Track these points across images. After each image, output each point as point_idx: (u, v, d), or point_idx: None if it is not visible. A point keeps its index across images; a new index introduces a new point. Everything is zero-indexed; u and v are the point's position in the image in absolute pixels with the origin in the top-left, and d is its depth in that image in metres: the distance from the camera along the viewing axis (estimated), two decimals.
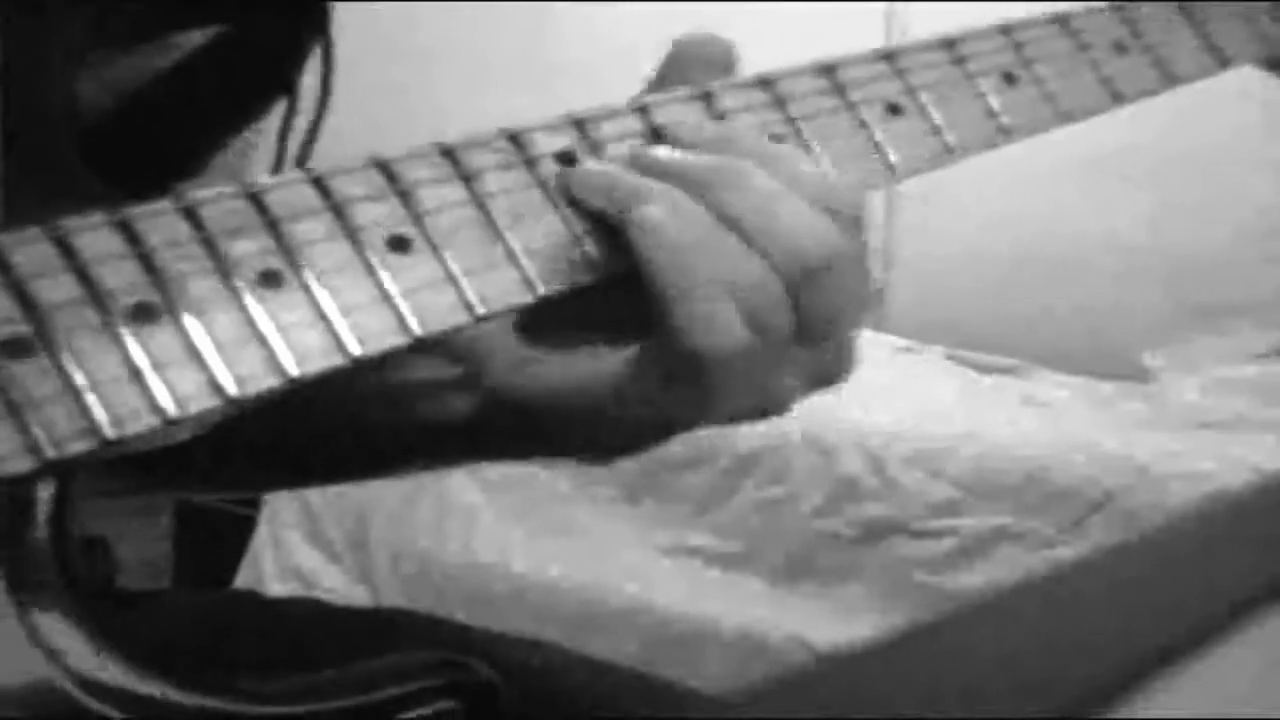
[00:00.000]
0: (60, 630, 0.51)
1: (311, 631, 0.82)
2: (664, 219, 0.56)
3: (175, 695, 0.53)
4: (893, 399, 2.17)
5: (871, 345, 2.58)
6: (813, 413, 2.23)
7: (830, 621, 1.99)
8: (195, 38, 0.61)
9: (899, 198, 2.65)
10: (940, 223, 2.68)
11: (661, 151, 0.59)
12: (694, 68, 0.63)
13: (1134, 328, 2.51)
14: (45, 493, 0.50)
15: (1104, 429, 2.10)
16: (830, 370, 0.61)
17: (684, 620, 2.05)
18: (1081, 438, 2.03)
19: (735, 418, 0.61)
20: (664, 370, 0.59)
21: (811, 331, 0.59)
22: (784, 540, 2.06)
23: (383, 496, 2.27)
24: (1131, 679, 0.29)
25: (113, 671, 0.52)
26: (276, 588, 2.24)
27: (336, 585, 2.25)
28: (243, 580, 2.29)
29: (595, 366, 0.62)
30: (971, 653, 0.31)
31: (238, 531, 2.38)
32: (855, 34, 2.66)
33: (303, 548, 2.30)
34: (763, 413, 0.61)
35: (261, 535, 2.34)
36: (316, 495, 2.30)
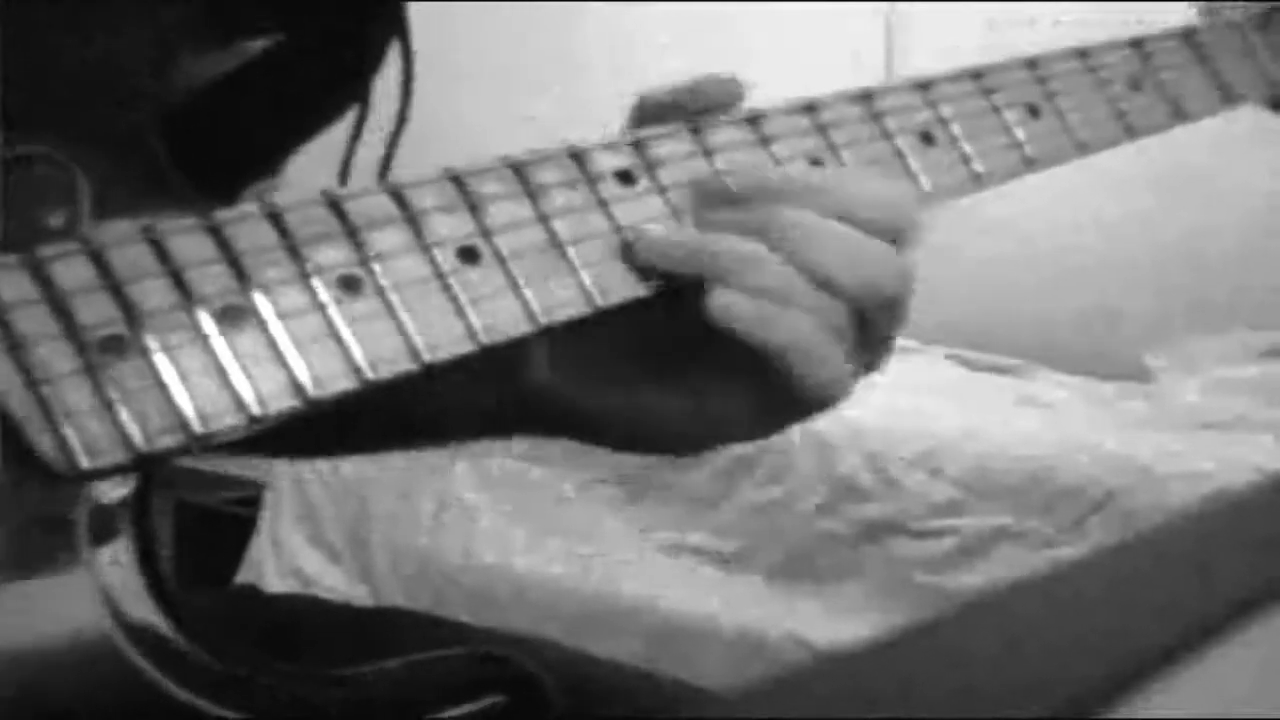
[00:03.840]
0: (148, 621, 0.53)
1: (314, 627, 0.82)
2: (758, 280, 0.60)
3: (245, 684, 0.54)
4: (893, 399, 2.17)
5: None
6: None
7: (829, 621, 1.99)
8: (268, 40, 0.63)
9: None
10: (940, 223, 2.67)
11: (734, 212, 0.62)
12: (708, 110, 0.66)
13: (1134, 328, 2.51)
14: (125, 491, 0.52)
15: (1104, 429, 2.10)
16: (877, 364, 0.65)
17: (683, 619, 2.05)
18: (1082, 438, 2.03)
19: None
20: (771, 404, 0.64)
21: (875, 342, 0.64)
22: (783, 540, 2.06)
23: (383, 497, 2.27)
24: (1131, 679, 0.29)
25: (204, 660, 0.54)
26: (277, 587, 2.24)
27: (337, 585, 2.25)
28: (243, 581, 2.29)
29: (661, 402, 0.65)
30: (971, 653, 0.31)
31: (238, 531, 2.38)
32: (856, 34, 2.66)
33: (303, 549, 2.31)
34: (819, 413, 0.66)
35: (262, 536, 2.34)
36: (318, 497, 2.30)
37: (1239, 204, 2.51)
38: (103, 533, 0.52)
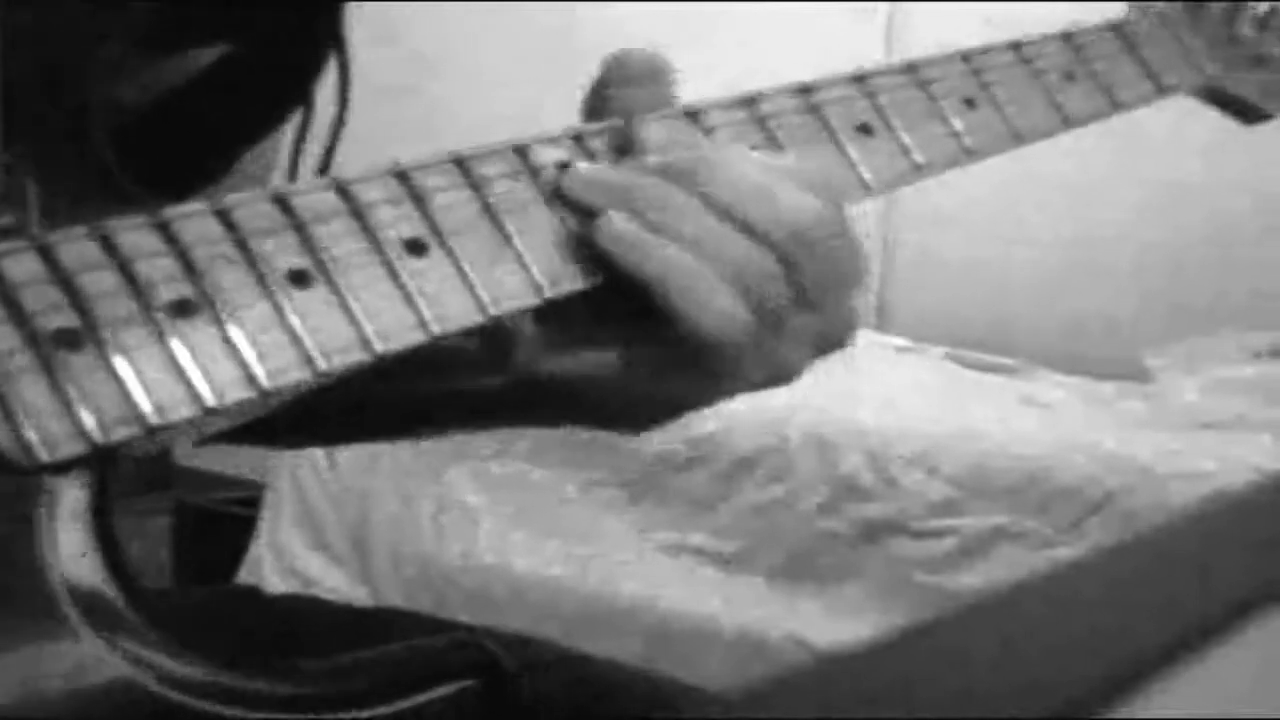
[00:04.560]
0: (131, 630, 0.53)
1: (312, 626, 0.83)
2: (658, 215, 0.60)
3: (223, 678, 0.55)
4: (893, 399, 2.17)
5: (871, 345, 2.59)
6: (813, 413, 2.21)
7: (830, 621, 1.99)
8: (215, 50, 0.63)
9: (897, 199, 2.65)
10: (940, 223, 2.68)
11: (648, 158, 0.63)
12: (632, 82, 0.66)
13: (1133, 328, 2.51)
14: (83, 497, 0.52)
15: (1103, 429, 2.10)
16: (835, 335, 0.65)
17: (684, 620, 2.05)
18: (1082, 438, 2.03)
19: (747, 390, 0.64)
20: (670, 358, 0.62)
21: (811, 299, 0.62)
22: (784, 540, 2.06)
23: (383, 499, 2.27)
24: (1131, 679, 0.29)
25: (184, 666, 0.54)
26: (278, 588, 2.24)
27: (338, 586, 2.25)
28: (242, 581, 2.29)
29: (601, 356, 0.65)
30: (971, 653, 0.31)
31: (237, 531, 2.38)
32: (856, 34, 2.66)
33: (304, 550, 2.30)
34: (774, 381, 0.64)
35: (262, 538, 2.34)
36: (317, 499, 2.30)
37: (1219, 208, 2.51)
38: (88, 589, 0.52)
